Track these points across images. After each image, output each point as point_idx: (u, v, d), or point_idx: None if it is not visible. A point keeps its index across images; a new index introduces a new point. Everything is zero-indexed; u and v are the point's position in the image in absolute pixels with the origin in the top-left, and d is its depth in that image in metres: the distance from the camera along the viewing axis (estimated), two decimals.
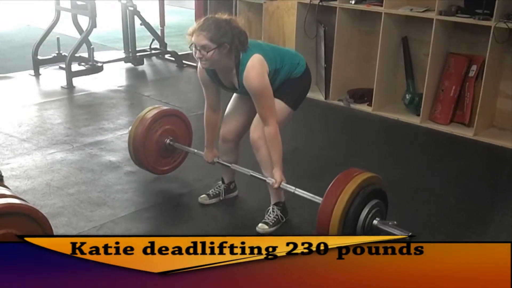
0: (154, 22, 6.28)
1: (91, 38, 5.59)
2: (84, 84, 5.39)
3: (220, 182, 3.28)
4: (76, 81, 5.36)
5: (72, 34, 6.04)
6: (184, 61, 6.24)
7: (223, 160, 3.14)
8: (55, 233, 2.15)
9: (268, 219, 2.97)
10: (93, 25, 5.36)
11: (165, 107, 3.45)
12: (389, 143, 4.31)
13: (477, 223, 3.18)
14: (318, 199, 2.63)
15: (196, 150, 3.32)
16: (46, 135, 4.16)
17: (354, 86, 5.15)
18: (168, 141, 3.37)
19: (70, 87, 5.28)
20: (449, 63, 4.57)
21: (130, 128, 3.37)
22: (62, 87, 5.29)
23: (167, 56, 6.40)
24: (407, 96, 4.78)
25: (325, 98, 5.14)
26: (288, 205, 3.05)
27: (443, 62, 4.59)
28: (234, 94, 3.06)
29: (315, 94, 5.17)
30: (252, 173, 2.98)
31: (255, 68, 2.68)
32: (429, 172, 3.81)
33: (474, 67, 4.44)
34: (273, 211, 2.99)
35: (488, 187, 3.64)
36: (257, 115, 2.83)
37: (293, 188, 2.82)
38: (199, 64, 2.78)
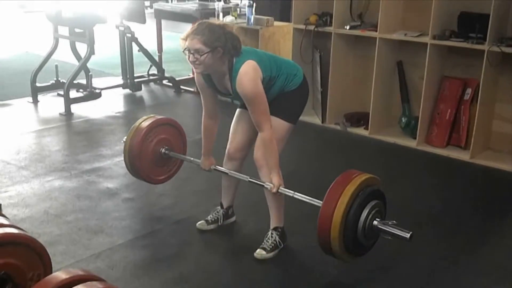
0: (152, 48, 6.35)
1: (89, 64, 5.64)
2: (82, 110, 5.42)
3: (219, 207, 3.28)
4: (74, 107, 5.40)
5: (70, 61, 6.09)
6: (182, 87, 6.28)
7: (224, 179, 3.16)
8: (52, 262, 2.14)
9: (266, 244, 2.97)
10: (91, 52, 5.42)
11: (159, 116, 3.39)
12: (386, 166, 4.32)
13: (474, 245, 3.18)
14: (318, 202, 2.63)
15: (192, 158, 3.29)
16: (44, 162, 4.17)
17: (350, 110, 5.18)
18: (163, 150, 3.32)
19: (68, 113, 5.31)
20: (444, 87, 4.61)
21: (125, 138, 3.32)
22: (60, 113, 5.32)
23: (165, 81, 6.45)
24: (403, 120, 4.82)
25: (322, 122, 5.17)
26: (287, 229, 3.05)
27: (438, 85, 4.63)
28: (237, 111, 3.09)
29: (312, 118, 5.21)
30: (250, 179, 2.97)
31: (248, 74, 2.70)
32: (426, 194, 3.82)
33: (469, 90, 4.47)
34: (271, 236, 2.99)
35: (485, 209, 3.65)
36: (259, 134, 2.84)
37: (292, 192, 2.81)
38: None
